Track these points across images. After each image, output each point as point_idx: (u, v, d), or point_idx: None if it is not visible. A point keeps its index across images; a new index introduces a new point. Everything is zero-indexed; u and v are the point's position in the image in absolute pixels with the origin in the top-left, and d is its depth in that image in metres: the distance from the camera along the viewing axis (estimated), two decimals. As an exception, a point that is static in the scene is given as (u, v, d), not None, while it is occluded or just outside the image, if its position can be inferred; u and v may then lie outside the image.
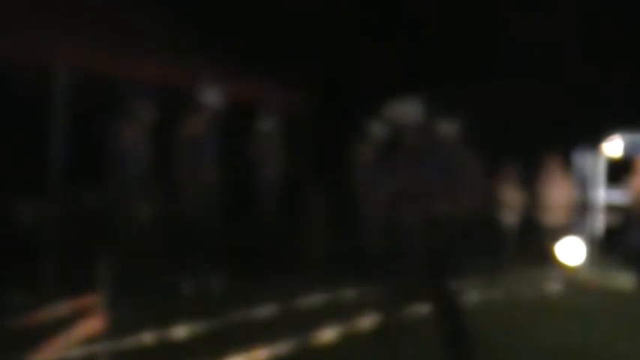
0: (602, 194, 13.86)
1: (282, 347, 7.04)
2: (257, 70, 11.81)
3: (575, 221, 13.17)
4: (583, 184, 13.71)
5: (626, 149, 13.64)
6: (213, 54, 11.95)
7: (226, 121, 10.15)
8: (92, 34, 10.47)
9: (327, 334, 7.71)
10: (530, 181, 13.19)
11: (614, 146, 13.58)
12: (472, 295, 10.25)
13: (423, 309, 7.78)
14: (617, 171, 13.54)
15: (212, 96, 9.85)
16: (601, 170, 13.86)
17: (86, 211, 9.17)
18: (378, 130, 11.21)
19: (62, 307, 6.57)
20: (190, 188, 9.66)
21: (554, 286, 11.46)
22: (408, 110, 8.20)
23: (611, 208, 13.67)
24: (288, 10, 15.76)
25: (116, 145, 9.25)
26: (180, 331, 7.49)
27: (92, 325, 6.30)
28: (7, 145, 9.74)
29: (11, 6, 10.09)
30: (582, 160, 13.84)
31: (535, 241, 13.20)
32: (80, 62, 9.43)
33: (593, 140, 13.86)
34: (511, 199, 13.14)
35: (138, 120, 9.38)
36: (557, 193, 12.99)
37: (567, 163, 13.37)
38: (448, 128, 10.52)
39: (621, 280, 12.46)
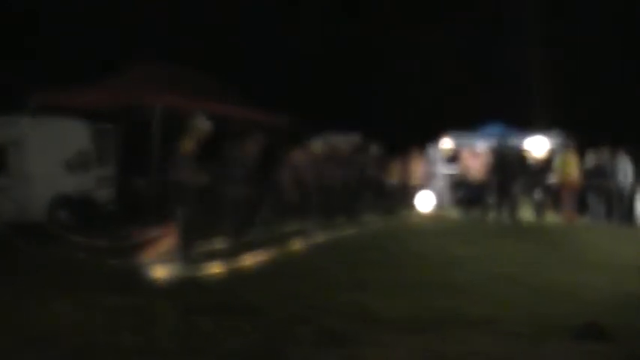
0: (441, 169, 13.63)
1: (272, 252, 7.07)
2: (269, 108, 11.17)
3: (426, 183, 12.99)
4: (431, 163, 13.54)
5: (455, 145, 13.41)
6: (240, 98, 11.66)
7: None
8: (176, 91, 10.31)
9: (297, 245, 7.71)
10: (405, 162, 12.97)
11: (446, 143, 13.36)
12: (379, 222, 10.37)
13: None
14: (452, 156, 13.40)
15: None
16: (439, 156, 13.64)
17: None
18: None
19: (157, 232, 6.52)
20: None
21: (417, 218, 11.37)
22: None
23: (447, 176, 13.49)
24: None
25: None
26: (221, 245, 7.49)
27: (170, 241, 6.25)
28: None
29: (136, 80, 10.10)
30: (430, 150, 13.65)
31: (406, 194, 12.96)
32: (168, 104, 9.21)
33: (435, 140, 13.67)
34: (395, 172, 12.96)
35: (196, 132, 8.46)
36: (417, 169, 12.89)
37: (423, 152, 13.23)
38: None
39: (452, 213, 12.46)
